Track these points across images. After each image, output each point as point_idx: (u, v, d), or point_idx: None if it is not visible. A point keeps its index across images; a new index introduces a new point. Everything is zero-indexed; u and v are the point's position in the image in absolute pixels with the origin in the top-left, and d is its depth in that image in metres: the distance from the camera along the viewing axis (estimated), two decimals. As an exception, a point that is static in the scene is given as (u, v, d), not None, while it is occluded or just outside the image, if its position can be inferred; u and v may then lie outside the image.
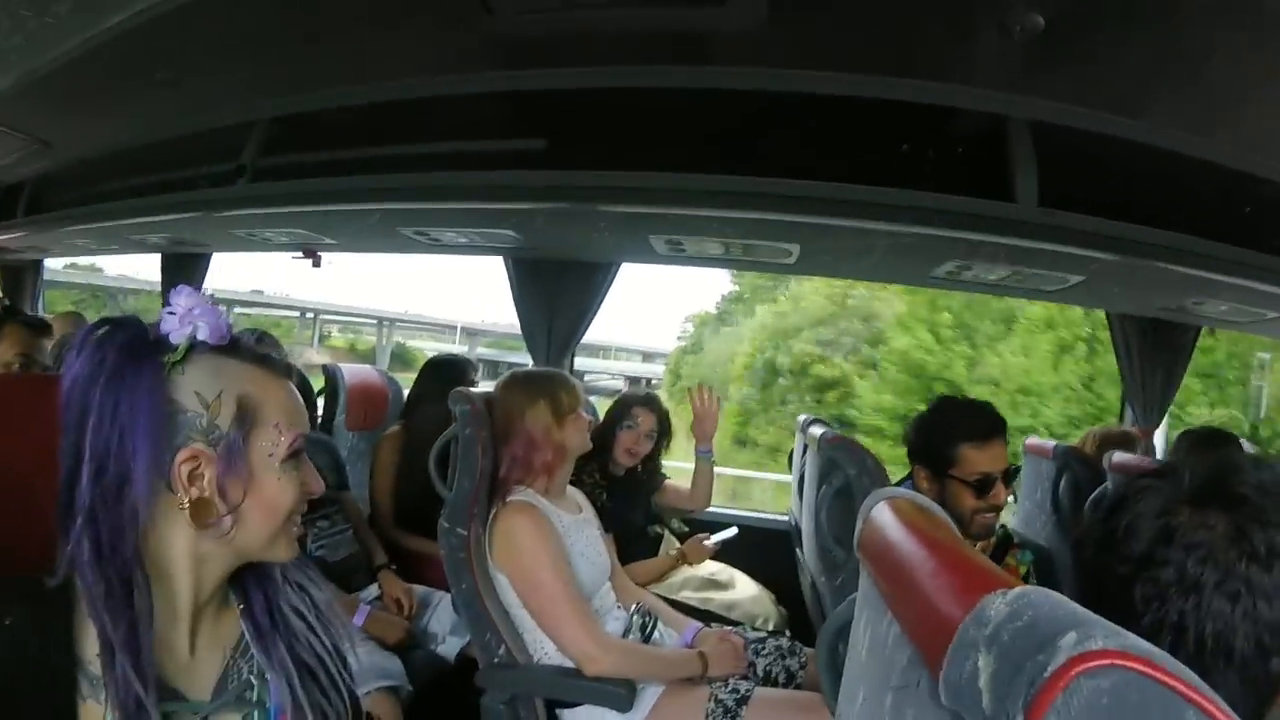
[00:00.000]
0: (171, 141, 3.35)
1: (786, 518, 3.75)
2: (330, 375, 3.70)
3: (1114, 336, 3.86)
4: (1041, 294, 3.20)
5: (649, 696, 2.00)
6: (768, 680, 2.26)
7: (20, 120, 3.55)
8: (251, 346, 0.97)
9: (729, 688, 2.02)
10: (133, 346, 0.89)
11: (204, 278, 5.03)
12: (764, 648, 2.34)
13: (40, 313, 5.38)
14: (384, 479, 3.20)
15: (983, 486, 2.02)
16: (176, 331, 0.91)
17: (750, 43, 2.08)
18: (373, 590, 2.74)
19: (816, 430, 2.59)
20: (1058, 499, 2.97)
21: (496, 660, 2.04)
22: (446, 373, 3.29)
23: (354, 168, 2.76)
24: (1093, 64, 1.98)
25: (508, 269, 3.85)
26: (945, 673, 0.54)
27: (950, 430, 2.06)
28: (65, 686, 0.84)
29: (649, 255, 3.29)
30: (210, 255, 5.00)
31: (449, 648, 2.65)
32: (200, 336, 0.92)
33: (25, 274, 5.86)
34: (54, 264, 6.23)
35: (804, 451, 3.00)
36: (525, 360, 4.10)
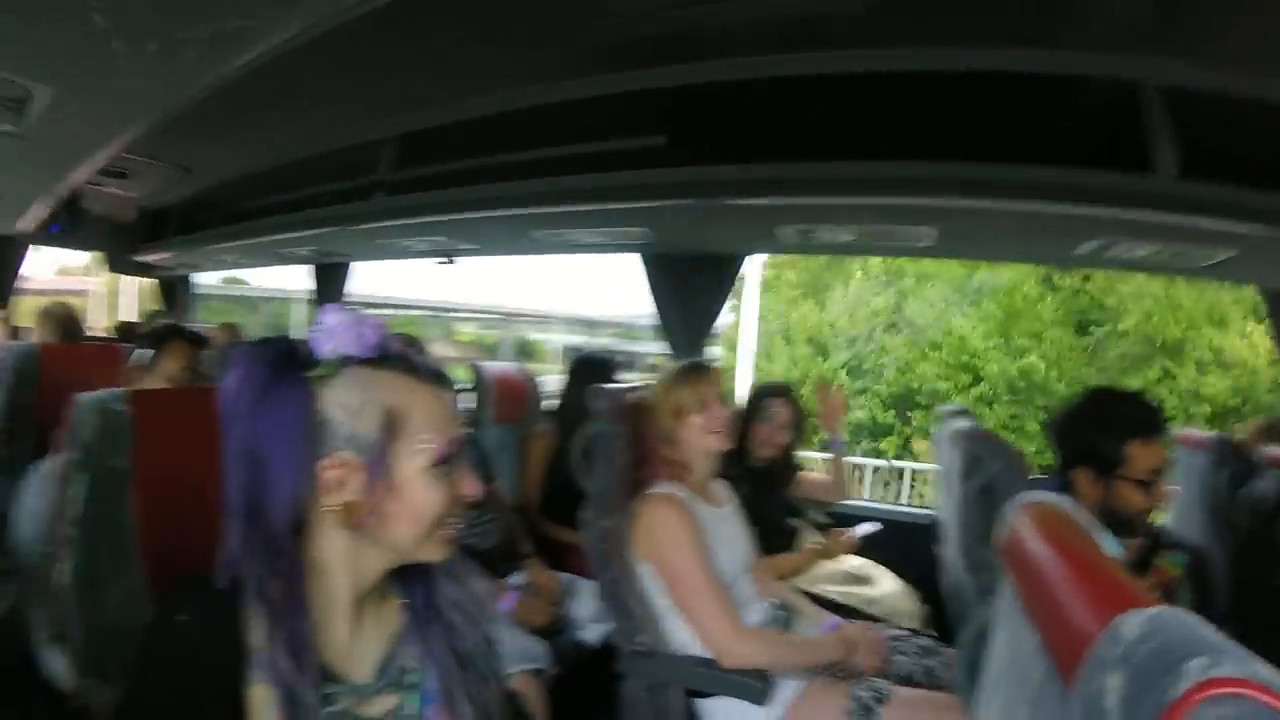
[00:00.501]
0: (309, 161, 3.58)
1: (933, 513, 3.65)
2: (477, 373, 3.88)
3: (1273, 316, 3.53)
4: (1192, 271, 2.97)
5: (787, 692, 1.99)
6: (907, 680, 2.22)
7: (162, 152, 3.87)
8: (399, 356, 1.01)
9: (868, 686, 1.99)
10: (280, 363, 0.96)
11: (345, 283, 5.34)
12: (905, 646, 2.30)
13: (194, 323, 5.86)
14: (533, 471, 3.35)
15: (1151, 484, 1.90)
16: (324, 347, 0.97)
17: (868, 24, 2.04)
18: (518, 577, 2.84)
19: (960, 423, 2.51)
20: (1213, 495, 2.77)
21: (637, 648, 2.10)
22: (593, 369, 3.40)
23: (484, 176, 2.86)
24: (1229, 21, 1.83)
25: (642, 263, 3.91)
26: (1078, 690, 0.55)
27: (1117, 428, 1.93)
28: (235, 674, 0.92)
29: (779, 245, 3.27)
30: (349, 264, 5.32)
31: (592, 634, 2.71)
32: (347, 351, 0.98)
33: (177, 288, 6.48)
34: (205, 278, 6.86)
35: (948, 445, 2.90)
36: (645, 350, 4.16)
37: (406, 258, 4.67)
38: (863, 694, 1.96)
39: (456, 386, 3.50)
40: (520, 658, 2.33)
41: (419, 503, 0.98)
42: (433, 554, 1.03)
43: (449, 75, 2.54)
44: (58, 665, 1.47)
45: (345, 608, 1.01)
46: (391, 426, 0.96)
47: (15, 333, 4.30)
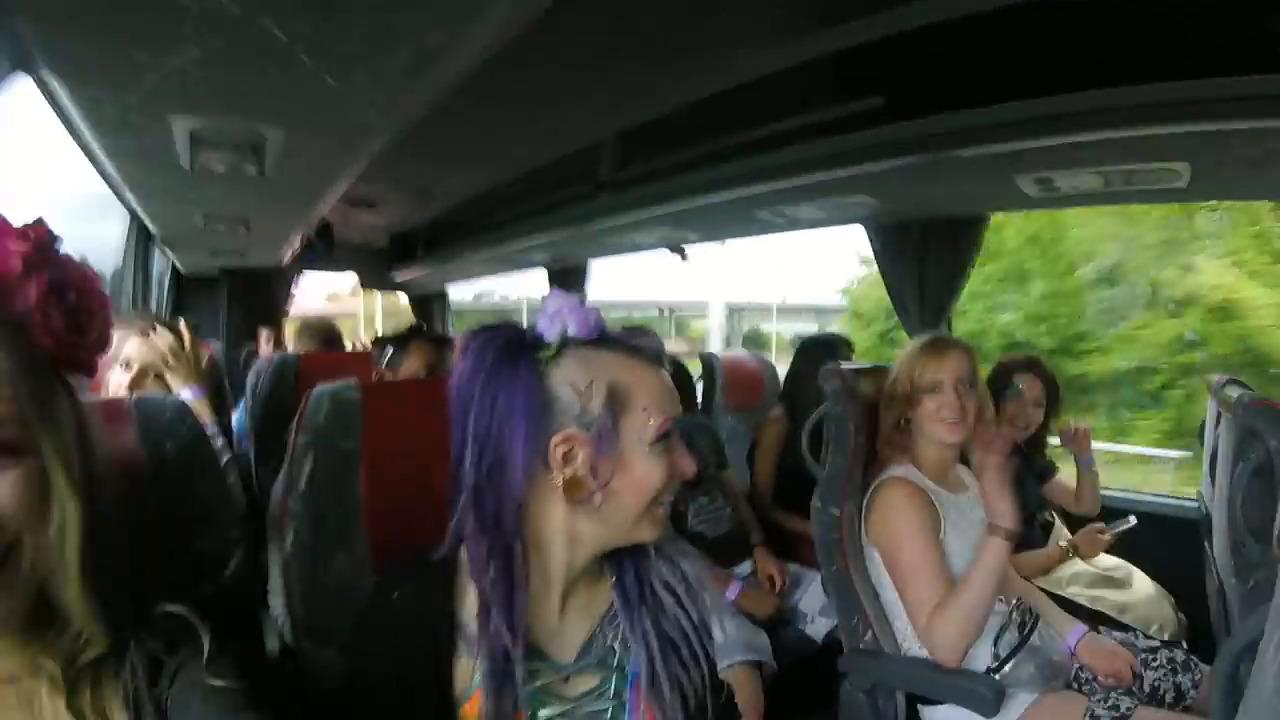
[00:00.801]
0: (537, 171, 3.75)
1: (1197, 504, 3.24)
2: (706, 362, 3.95)
3: None
4: None
5: (1018, 704, 1.86)
6: (1154, 698, 2.00)
7: (404, 180, 4.20)
8: (621, 338, 1.05)
9: (1108, 702, 1.82)
10: (509, 346, 1.00)
11: (584, 286, 5.61)
12: (1154, 659, 2.08)
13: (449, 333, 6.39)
14: (765, 459, 3.32)
15: None
16: (549, 330, 1.02)
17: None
18: (747, 566, 2.86)
19: (1233, 393, 2.13)
20: None
21: (861, 646, 2.03)
22: (821, 352, 3.31)
23: (703, 161, 2.89)
24: None
25: (869, 237, 3.74)
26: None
27: None
28: (443, 646, 0.99)
29: (1018, 200, 2.96)
30: (586, 265, 5.60)
31: (817, 628, 2.68)
32: (571, 332, 1.02)
33: (433, 303, 7.11)
34: (456, 294, 7.53)
35: (1217, 421, 2.51)
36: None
37: (636, 253, 4.84)
38: (1101, 711, 1.81)
39: (696, 376, 3.59)
40: (742, 648, 2.34)
41: (642, 477, 1.01)
42: (648, 533, 1.06)
43: (656, 64, 2.55)
44: (282, 624, 1.63)
45: (558, 585, 1.05)
46: (617, 403, 0.99)
47: (281, 346, 4.85)
